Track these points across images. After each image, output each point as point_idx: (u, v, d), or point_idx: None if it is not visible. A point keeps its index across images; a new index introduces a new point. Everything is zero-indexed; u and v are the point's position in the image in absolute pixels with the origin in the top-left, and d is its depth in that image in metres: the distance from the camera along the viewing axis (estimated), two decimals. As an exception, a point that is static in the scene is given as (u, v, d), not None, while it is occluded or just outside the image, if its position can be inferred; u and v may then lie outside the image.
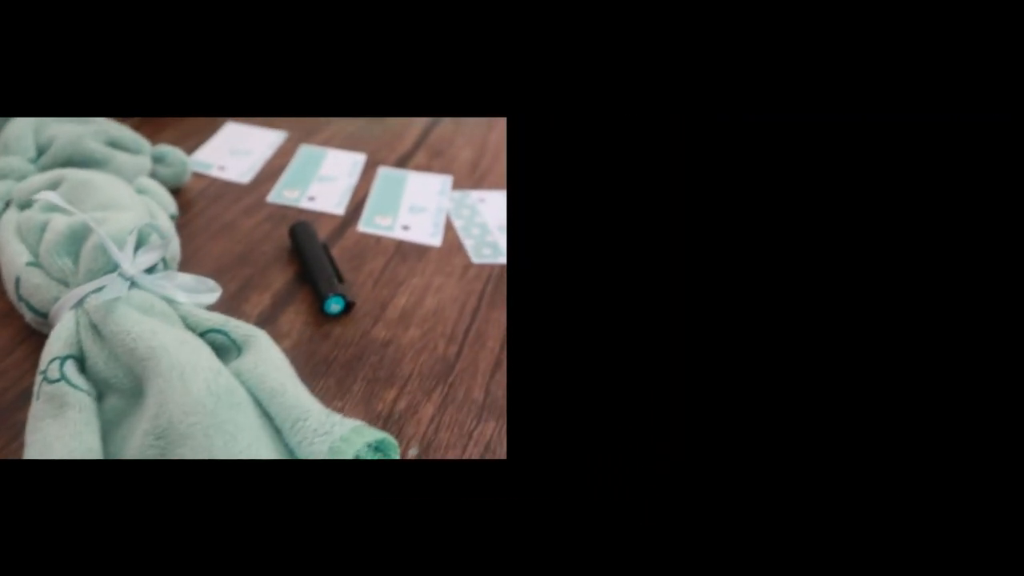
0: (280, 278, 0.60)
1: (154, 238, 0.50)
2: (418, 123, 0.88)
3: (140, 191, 0.59)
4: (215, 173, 0.72)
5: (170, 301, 0.46)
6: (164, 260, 0.52)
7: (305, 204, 0.69)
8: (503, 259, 0.65)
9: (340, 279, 0.59)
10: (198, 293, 0.48)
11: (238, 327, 0.45)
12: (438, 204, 0.72)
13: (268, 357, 0.43)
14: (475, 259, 0.66)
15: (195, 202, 0.68)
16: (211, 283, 0.49)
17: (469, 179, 0.78)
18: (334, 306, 0.56)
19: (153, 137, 0.74)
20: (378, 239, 0.67)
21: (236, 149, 0.76)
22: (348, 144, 0.81)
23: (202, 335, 0.45)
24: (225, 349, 0.45)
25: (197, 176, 0.71)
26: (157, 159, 0.65)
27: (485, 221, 0.70)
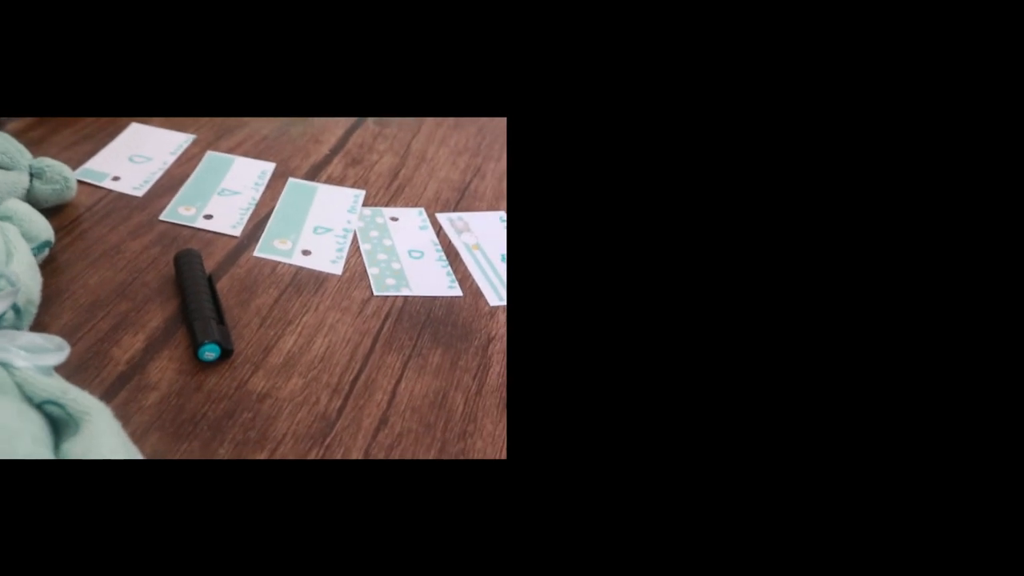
0: (159, 315, 0.58)
1: (1, 284, 0.47)
2: (341, 124, 0.84)
3: (3, 217, 0.56)
4: (108, 184, 0.68)
5: (6, 365, 0.44)
6: (16, 308, 0.49)
7: (201, 223, 0.66)
8: (407, 291, 0.63)
9: (220, 320, 0.56)
10: (41, 354, 0.45)
11: (75, 400, 0.43)
12: (345, 224, 0.69)
13: (99, 444, 0.40)
14: (377, 291, 0.63)
15: (80, 221, 0.65)
16: (59, 341, 0.46)
17: (385, 192, 0.75)
18: (208, 354, 0.53)
19: (46, 140, 0.70)
20: (274, 267, 0.64)
21: (136, 155, 0.72)
22: (260, 149, 0.77)
23: (39, 406, 0.43)
24: (63, 423, 0.43)
25: (87, 188, 0.68)
26: (36, 174, 0.62)
27: (394, 245, 0.68)
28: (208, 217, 0.67)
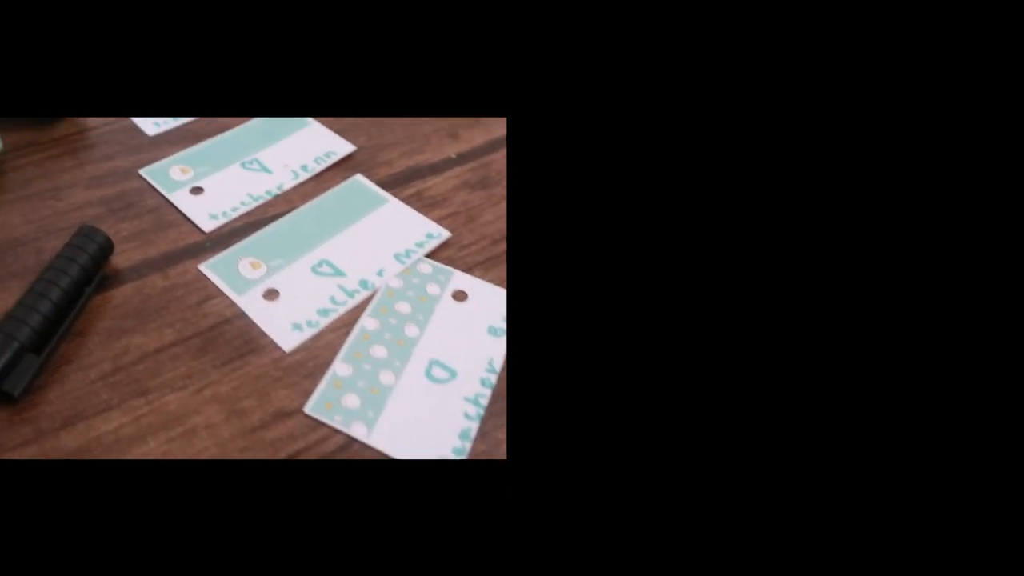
0: (9, 300, 0.40)
1: None
2: (502, 127, 0.57)
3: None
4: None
5: None
6: None
7: (180, 197, 0.46)
8: (362, 434, 0.35)
9: (37, 346, 0.36)
10: None
11: None
12: (376, 272, 0.43)
13: None
14: (310, 408, 0.36)
15: (67, 142, 0.49)
16: None
17: (481, 251, 0.46)
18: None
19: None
20: (208, 297, 0.40)
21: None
22: (360, 120, 0.54)
23: None
24: None
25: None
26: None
27: (418, 339, 0.39)
28: (196, 191, 0.47)
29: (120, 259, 0.42)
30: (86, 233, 0.41)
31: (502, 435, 0.37)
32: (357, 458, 0.35)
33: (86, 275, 0.40)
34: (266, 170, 0.49)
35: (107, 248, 0.41)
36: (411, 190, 0.49)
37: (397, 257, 0.44)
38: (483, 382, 0.39)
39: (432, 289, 0.43)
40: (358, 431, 0.36)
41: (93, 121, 0.51)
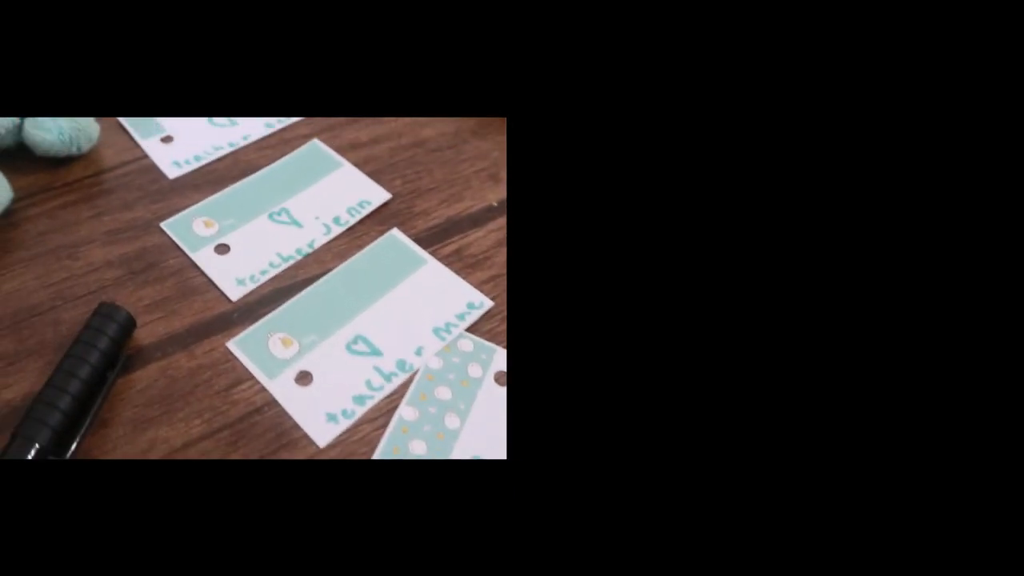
0: (27, 382, 0.37)
1: None
2: None
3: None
4: (149, 146, 0.48)
5: None
6: None
7: (205, 257, 0.43)
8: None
9: (60, 443, 0.34)
10: None
11: None
12: (415, 351, 0.40)
13: None
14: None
15: (72, 188, 0.46)
16: None
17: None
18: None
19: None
20: (239, 381, 0.38)
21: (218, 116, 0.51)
22: (392, 162, 0.50)
23: None
24: None
25: (121, 140, 0.48)
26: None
27: (459, 431, 0.37)
28: (222, 249, 0.44)
29: (143, 333, 0.40)
30: (106, 312, 0.38)
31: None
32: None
33: (108, 360, 0.38)
34: (296, 223, 0.46)
35: (129, 327, 0.39)
36: (451, 246, 0.46)
37: (436, 332, 0.42)
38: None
39: (474, 371, 0.41)
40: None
41: (109, 161, 0.48)
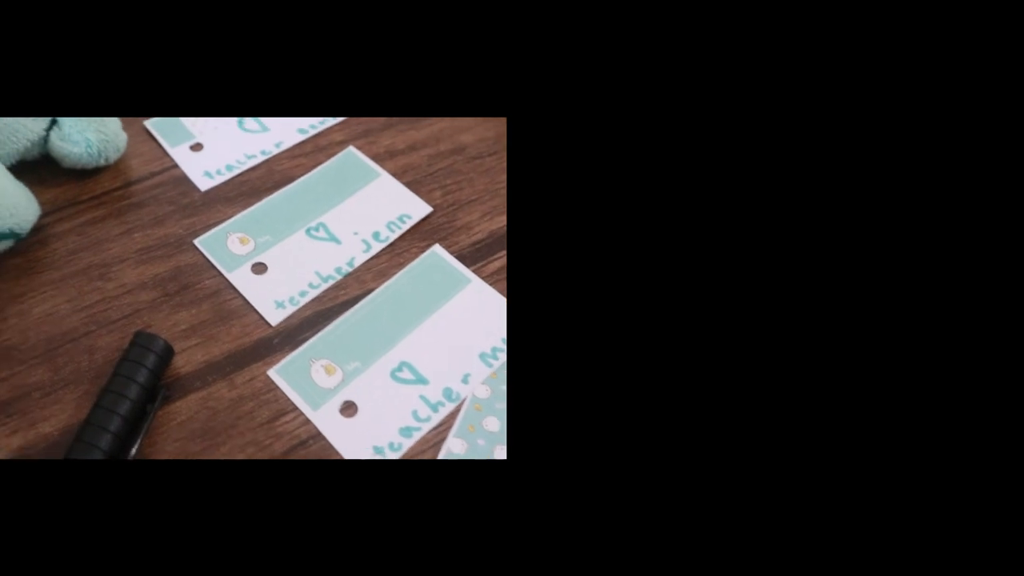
0: (65, 414, 0.36)
1: None
2: None
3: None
4: (178, 155, 0.46)
5: None
6: None
7: (241, 277, 0.42)
8: None
9: None
10: None
11: None
12: (460, 377, 0.39)
13: None
14: None
15: (99, 203, 0.44)
16: None
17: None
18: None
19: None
20: (282, 412, 0.37)
21: (249, 121, 0.49)
22: (432, 171, 0.48)
23: None
24: None
25: (149, 148, 0.47)
26: (56, 123, 0.43)
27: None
28: (259, 269, 0.42)
29: (181, 360, 0.39)
30: (144, 343, 0.37)
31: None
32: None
33: (147, 393, 0.36)
34: (334, 239, 0.44)
35: (167, 356, 0.38)
36: (495, 263, 0.44)
37: (483, 358, 0.40)
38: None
39: (523, 399, 0.40)
40: None
41: (138, 171, 0.46)
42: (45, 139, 0.43)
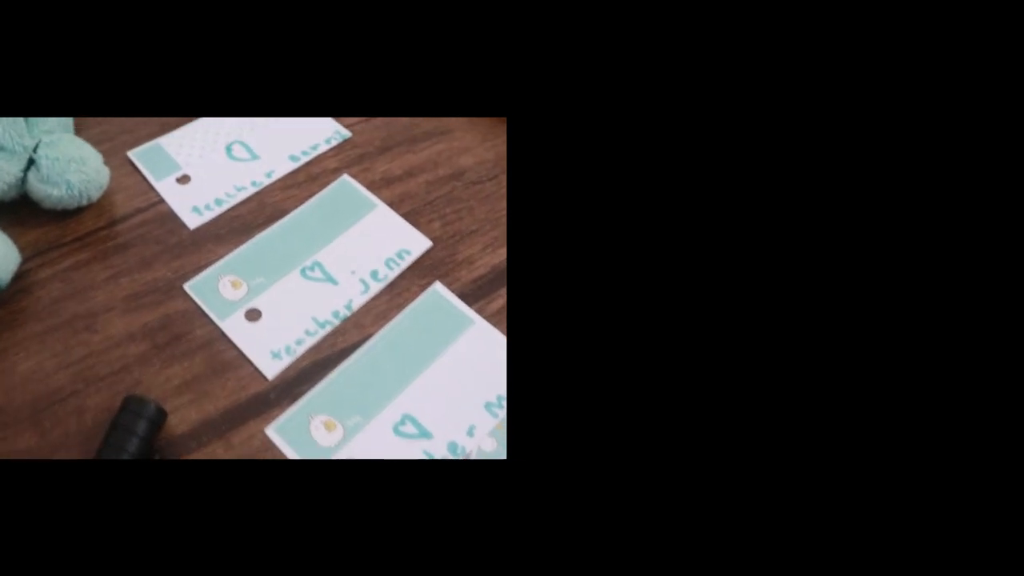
0: None
1: None
2: None
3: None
4: (164, 188, 0.44)
5: None
6: None
7: (233, 325, 0.40)
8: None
9: None
10: None
11: None
12: (466, 429, 0.37)
13: None
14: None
15: (82, 246, 0.42)
16: None
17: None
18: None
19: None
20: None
21: (238, 141, 0.46)
22: (431, 199, 0.46)
23: None
24: None
25: (134, 181, 0.44)
26: (34, 163, 0.40)
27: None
28: (253, 316, 0.41)
29: (175, 419, 0.37)
30: (134, 409, 0.36)
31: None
32: None
33: (148, 446, 0.35)
34: (331, 279, 0.42)
35: (159, 420, 0.36)
36: (497, 302, 0.43)
37: (488, 408, 0.39)
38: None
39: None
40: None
41: (122, 208, 0.44)
42: (23, 180, 0.41)
